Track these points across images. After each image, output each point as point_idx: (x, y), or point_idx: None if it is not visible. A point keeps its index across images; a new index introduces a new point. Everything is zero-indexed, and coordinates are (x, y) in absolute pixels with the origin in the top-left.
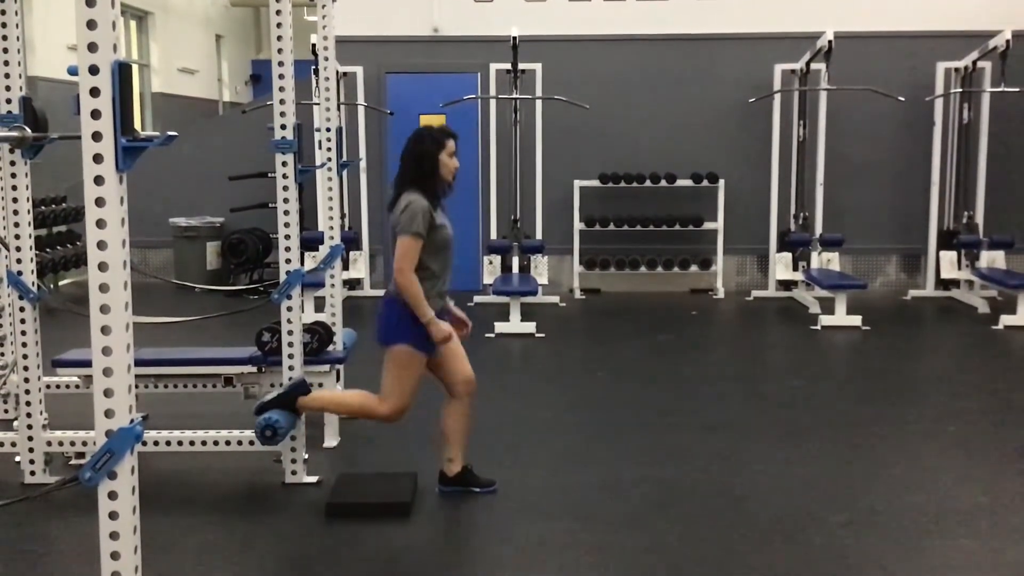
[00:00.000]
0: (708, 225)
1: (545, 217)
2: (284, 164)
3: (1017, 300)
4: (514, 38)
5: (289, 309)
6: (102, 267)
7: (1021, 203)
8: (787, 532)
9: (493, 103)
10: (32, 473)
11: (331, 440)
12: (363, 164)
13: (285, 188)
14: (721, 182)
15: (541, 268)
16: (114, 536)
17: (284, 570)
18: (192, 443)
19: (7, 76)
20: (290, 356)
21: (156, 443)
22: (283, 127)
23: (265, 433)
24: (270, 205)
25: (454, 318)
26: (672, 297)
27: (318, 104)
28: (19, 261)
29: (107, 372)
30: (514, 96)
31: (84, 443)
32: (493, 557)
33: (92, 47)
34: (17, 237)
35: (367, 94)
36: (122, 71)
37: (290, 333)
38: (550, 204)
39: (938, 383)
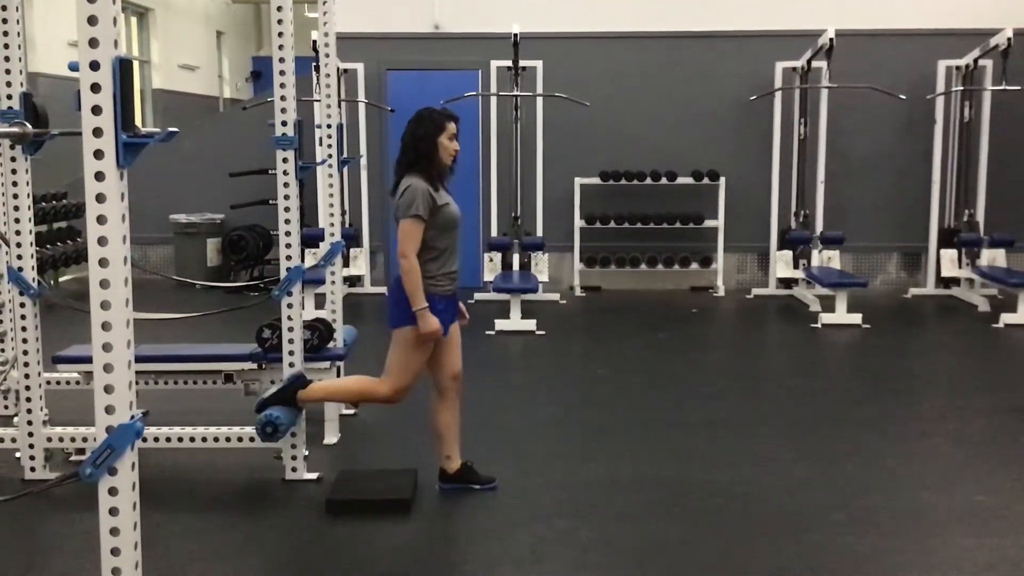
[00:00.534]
0: (709, 223)
1: (546, 214)
2: (285, 161)
3: (1017, 298)
4: (515, 35)
5: (289, 306)
6: (103, 263)
7: (1022, 201)
8: (787, 530)
9: (494, 100)
10: (32, 469)
11: (331, 437)
12: (364, 161)
13: (286, 185)
14: (722, 180)
15: (542, 265)
16: (114, 532)
17: (284, 566)
18: (192, 439)
19: (8, 72)
20: (290, 353)
21: (156, 439)
22: (284, 123)
23: (266, 430)
24: (270, 202)
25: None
26: (672, 295)
27: (319, 101)
28: (19, 257)
29: (107, 368)
30: (515, 93)
31: (84, 439)
32: (493, 554)
33: (93, 43)
34: (18, 233)
35: (368, 91)
36: (123, 67)
37: (290, 330)
38: (551, 201)
39: (938, 381)
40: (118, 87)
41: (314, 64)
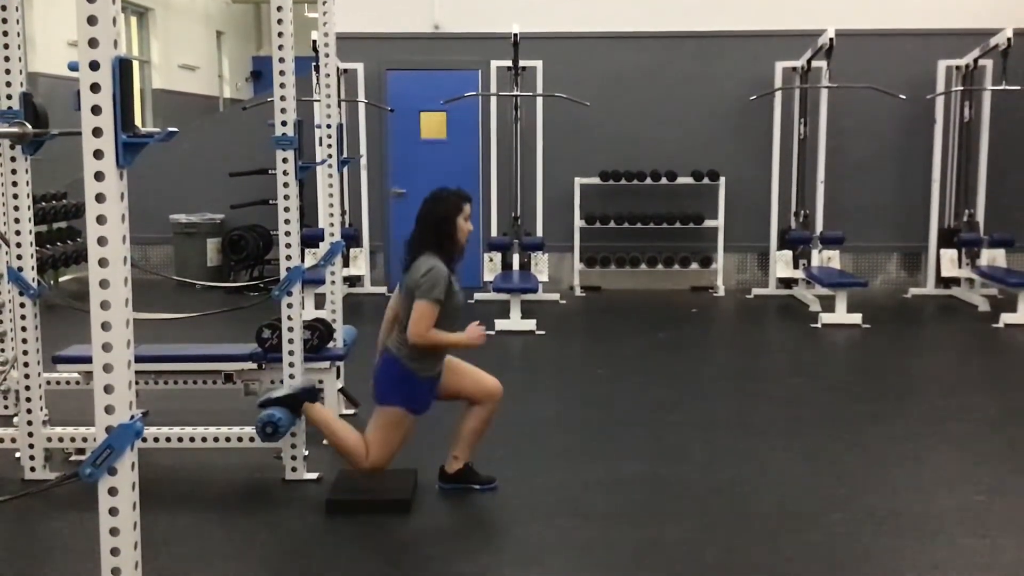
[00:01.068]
0: (708, 223)
1: (545, 214)
2: (284, 161)
3: (1017, 298)
4: (515, 35)
5: (289, 306)
6: (102, 263)
7: (1022, 201)
8: (786, 529)
9: (494, 100)
10: (32, 469)
11: None
12: (364, 161)
13: (285, 185)
14: (722, 180)
15: (541, 265)
16: (114, 532)
17: (284, 566)
18: (192, 439)
19: (8, 72)
20: (290, 353)
21: (156, 439)
22: (284, 123)
23: (266, 430)
24: (270, 202)
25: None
26: (672, 295)
27: (319, 101)
28: (19, 257)
29: (107, 368)
30: (515, 93)
31: (84, 439)
32: (493, 554)
33: (93, 43)
34: (17, 233)
35: (368, 91)
36: (122, 67)
37: (290, 330)
38: (551, 201)
39: (938, 381)
40: (118, 87)
41: (314, 64)
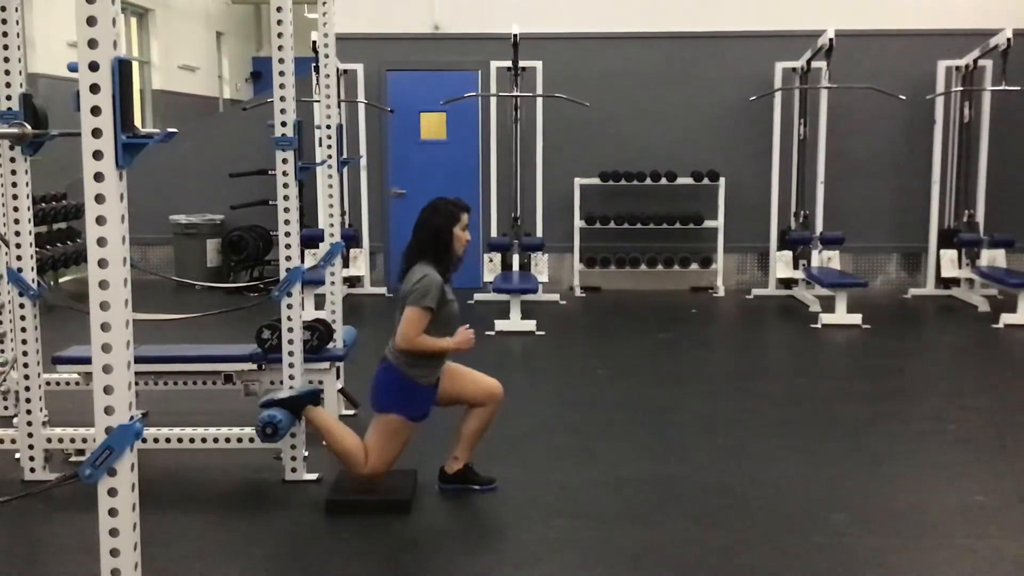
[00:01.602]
0: (708, 223)
1: (545, 215)
2: (284, 161)
3: (1017, 299)
4: (515, 36)
5: (289, 306)
6: (102, 264)
7: (1022, 201)
8: (787, 530)
9: (494, 101)
10: (32, 470)
11: None
12: (363, 161)
13: (285, 185)
14: (722, 180)
15: (541, 266)
16: (114, 533)
17: (284, 567)
18: (192, 440)
19: (7, 73)
20: (290, 353)
21: (156, 440)
22: (283, 124)
23: (265, 430)
24: (270, 202)
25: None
26: (672, 295)
27: (318, 101)
28: (19, 258)
29: (107, 369)
30: (515, 94)
31: (84, 440)
32: (493, 554)
33: (92, 43)
34: (17, 234)
35: (368, 91)
36: (122, 68)
37: (290, 330)
38: (550, 202)
39: (938, 382)
40: (117, 88)
41: (314, 65)
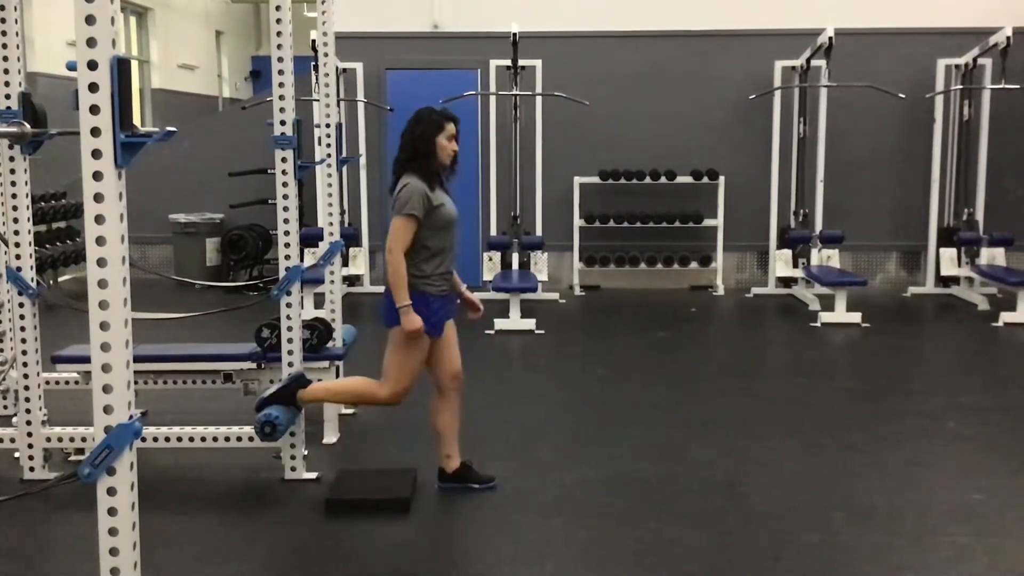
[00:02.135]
0: (708, 222)
1: (545, 214)
2: (284, 160)
3: (1017, 297)
4: (514, 34)
5: (288, 305)
6: (101, 263)
7: (1021, 200)
8: (786, 528)
9: (493, 99)
10: (31, 469)
11: (331, 436)
12: (363, 160)
13: (285, 184)
14: (721, 179)
15: (541, 265)
16: (113, 532)
17: (284, 566)
18: (191, 439)
19: (6, 72)
20: (289, 352)
21: (155, 439)
22: (283, 123)
23: (264, 429)
24: (270, 201)
25: (467, 300)
26: (672, 294)
27: (318, 100)
28: (18, 257)
29: (106, 368)
30: (514, 93)
31: (83, 439)
32: (492, 553)
33: (91, 42)
34: (16, 233)
35: (367, 90)
36: (121, 67)
37: (289, 329)
38: (550, 201)
39: (937, 380)
40: (116, 86)
41: (313, 63)
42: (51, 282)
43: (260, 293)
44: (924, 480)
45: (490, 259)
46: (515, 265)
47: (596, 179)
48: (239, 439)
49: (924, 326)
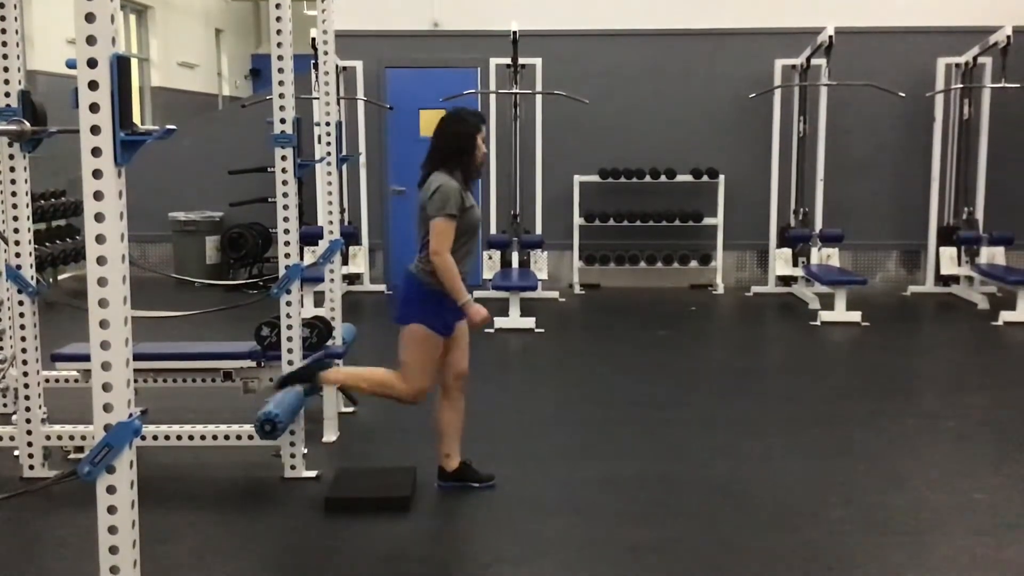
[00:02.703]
0: (708, 221)
1: (545, 212)
2: (283, 158)
3: (1017, 296)
4: (514, 33)
5: (288, 304)
6: (100, 261)
7: (1021, 199)
8: (786, 527)
9: (493, 98)
10: (31, 467)
11: (330, 434)
12: (363, 159)
13: (284, 183)
14: (721, 178)
15: (541, 263)
16: (112, 530)
17: (283, 565)
18: (191, 437)
19: (6, 70)
20: (289, 351)
21: (155, 437)
22: (283, 121)
23: (264, 427)
24: (269, 200)
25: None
26: (671, 293)
27: (318, 98)
28: (18, 255)
29: (106, 366)
30: (514, 91)
31: (83, 437)
32: (492, 552)
33: (90, 40)
34: (16, 231)
35: (367, 88)
36: (121, 64)
37: (289, 328)
38: (550, 199)
39: (937, 379)
40: (116, 84)
41: (313, 62)
42: (51, 280)
43: (260, 291)
44: (924, 479)
45: (490, 257)
46: (515, 264)
47: (596, 177)
48: (239, 437)
49: (924, 325)
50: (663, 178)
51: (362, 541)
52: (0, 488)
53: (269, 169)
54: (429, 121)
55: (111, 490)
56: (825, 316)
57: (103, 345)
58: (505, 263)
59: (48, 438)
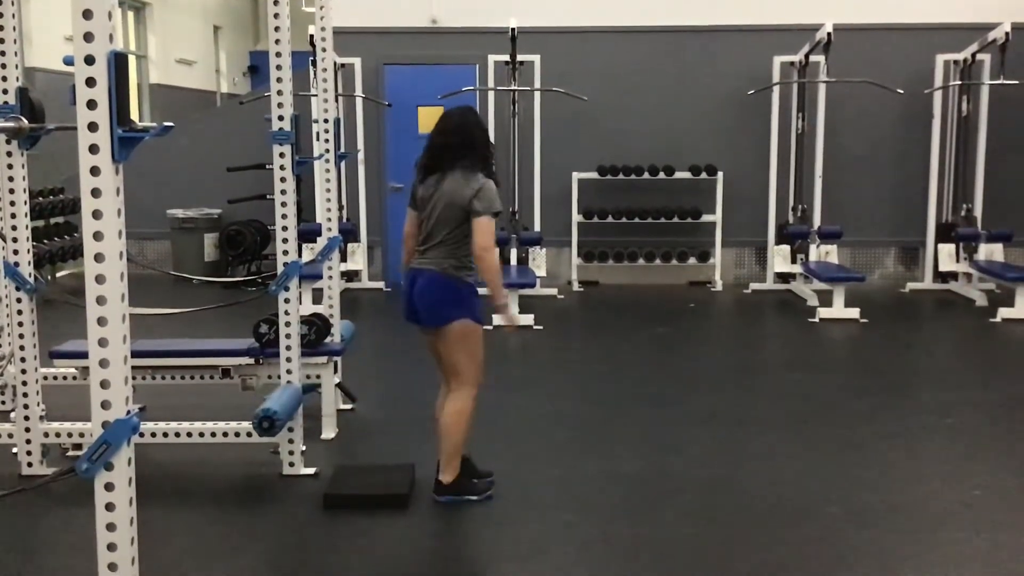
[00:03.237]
0: (706, 217)
1: (543, 209)
2: (282, 155)
3: (1015, 293)
4: (513, 29)
5: (287, 301)
6: (98, 258)
7: (1020, 196)
8: (785, 524)
9: (491, 95)
10: (29, 464)
11: (329, 432)
12: (361, 156)
13: (283, 179)
14: (719, 174)
15: (539, 260)
16: (111, 527)
17: (281, 562)
18: (189, 435)
19: (3, 67)
20: (287, 348)
21: (153, 434)
22: (281, 118)
23: (262, 424)
24: (268, 197)
25: None
26: (670, 290)
27: (316, 95)
28: (16, 252)
29: (104, 363)
30: (512, 88)
31: (81, 434)
32: (491, 549)
33: (88, 37)
34: (14, 228)
35: (365, 85)
36: (118, 61)
37: (287, 325)
38: (548, 196)
39: (936, 376)
40: (113, 81)
41: (311, 59)
42: (49, 277)
43: (258, 289)
44: (923, 476)
45: None
46: (513, 260)
47: (594, 175)
48: (237, 435)
49: (922, 322)
50: (662, 175)
51: (360, 538)
52: None
53: (267, 166)
54: (427, 118)
55: (109, 487)
56: (823, 313)
57: (101, 342)
58: (503, 260)
59: (46, 435)
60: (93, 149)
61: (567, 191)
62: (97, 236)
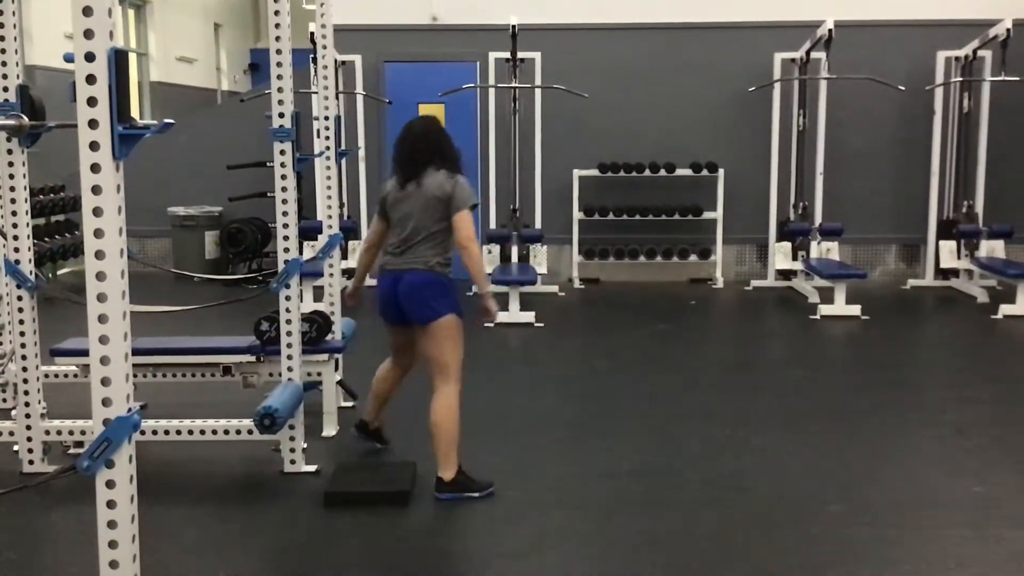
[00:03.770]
0: (707, 214)
1: (544, 206)
2: (282, 153)
3: (1016, 290)
4: (513, 26)
5: (287, 298)
6: (99, 255)
7: (1021, 192)
8: (785, 520)
9: (492, 92)
10: (30, 462)
11: (330, 429)
12: (362, 153)
13: (283, 177)
14: (720, 171)
15: (540, 257)
16: (112, 525)
17: (282, 559)
18: (191, 432)
19: (4, 64)
20: (288, 345)
21: (154, 432)
22: (281, 116)
23: (264, 422)
24: (268, 194)
25: None
26: (671, 287)
27: (316, 93)
28: (17, 250)
29: (104, 361)
30: (513, 85)
31: (82, 432)
32: (491, 546)
33: (88, 34)
34: (15, 226)
35: (365, 83)
36: (118, 58)
37: (288, 322)
38: (549, 193)
39: (937, 373)
40: (114, 78)
41: (312, 56)
42: (50, 275)
43: (259, 286)
44: (923, 472)
45: (489, 252)
46: (514, 258)
47: (595, 172)
48: (238, 432)
49: (923, 319)
50: (662, 172)
51: (362, 535)
52: (0, 483)
53: (268, 164)
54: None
55: (110, 485)
56: (824, 310)
57: (102, 340)
58: (504, 257)
59: (47, 433)
60: (93, 146)
61: (568, 188)
62: (98, 233)
